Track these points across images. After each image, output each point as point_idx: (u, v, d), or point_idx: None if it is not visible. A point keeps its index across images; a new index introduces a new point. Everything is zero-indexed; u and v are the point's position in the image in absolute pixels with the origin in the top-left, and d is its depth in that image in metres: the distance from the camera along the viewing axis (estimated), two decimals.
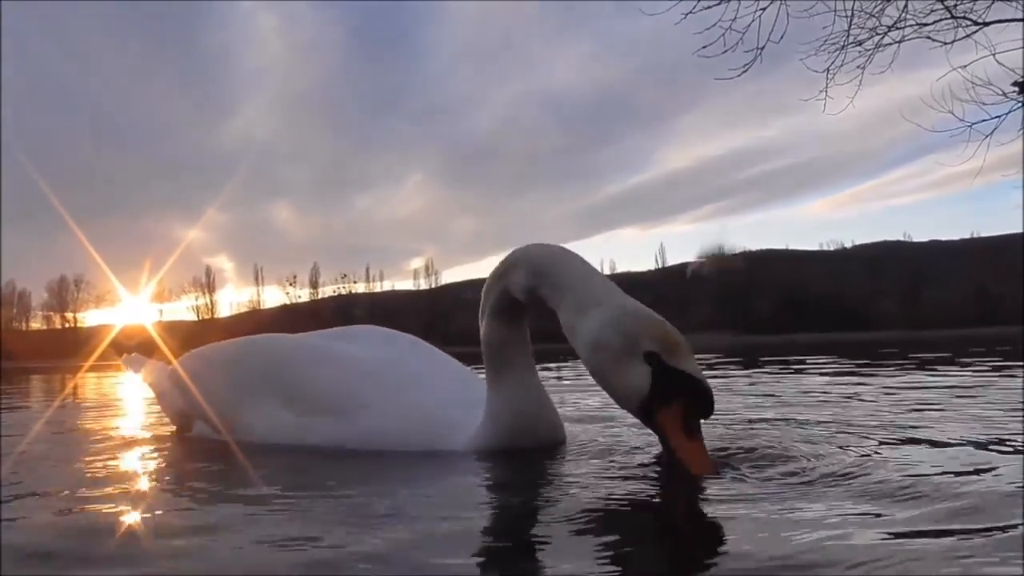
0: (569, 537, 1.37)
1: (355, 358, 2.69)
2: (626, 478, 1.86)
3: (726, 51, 10.94)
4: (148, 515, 1.62)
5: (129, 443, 2.96)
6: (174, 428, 3.23)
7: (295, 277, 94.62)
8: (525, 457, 2.20)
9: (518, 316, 2.34)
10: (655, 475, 1.92)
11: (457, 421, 2.36)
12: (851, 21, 10.71)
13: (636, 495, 1.69)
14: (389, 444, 2.37)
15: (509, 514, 1.63)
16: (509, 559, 1.29)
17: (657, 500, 1.71)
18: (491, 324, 2.32)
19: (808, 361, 9.29)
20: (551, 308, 2.16)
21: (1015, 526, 1.28)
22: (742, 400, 3.96)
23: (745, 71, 11.18)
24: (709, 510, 1.53)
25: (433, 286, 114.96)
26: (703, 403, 1.90)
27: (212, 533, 1.44)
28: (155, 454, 2.65)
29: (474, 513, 1.61)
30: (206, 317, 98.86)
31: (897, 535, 1.26)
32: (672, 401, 1.90)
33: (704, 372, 1.97)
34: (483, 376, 2.41)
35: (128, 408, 5.15)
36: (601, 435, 2.57)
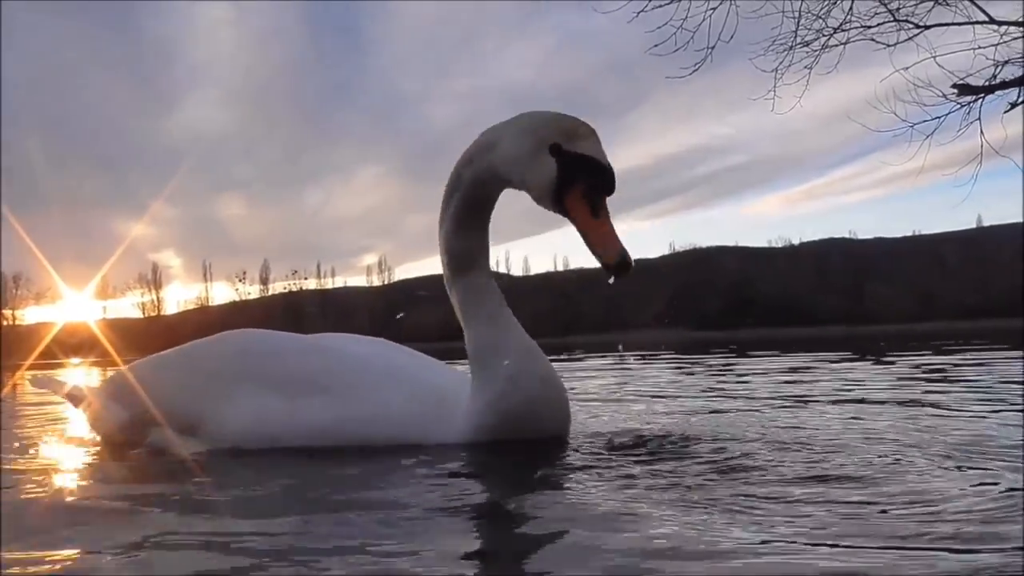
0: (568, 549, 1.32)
1: (344, 348, 2.63)
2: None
3: (677, 50, 11.05)
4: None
5: (69, 449, 2.85)
6: (109, 446, 2.80)
7: (244, 273, 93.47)
8: (522, 450, 2.13)
9: (482, 220, 2.37)
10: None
11: (454, 406, 2.30)
12: (798, 22, 10.90)
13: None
14: (383, 429, 2.30)
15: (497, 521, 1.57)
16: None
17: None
18: (454, 228, 2.33)
19: (748, 356, 9.47)
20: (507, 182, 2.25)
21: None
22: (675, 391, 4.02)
23: (696, 70, 11.32)
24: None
25: (386, 282, 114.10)
26: (605, 181, 2.04)
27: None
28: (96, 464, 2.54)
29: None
30: (152, 314, 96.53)
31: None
32: (574, 185, 2.03)
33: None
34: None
35: (68, 410, 5.00)
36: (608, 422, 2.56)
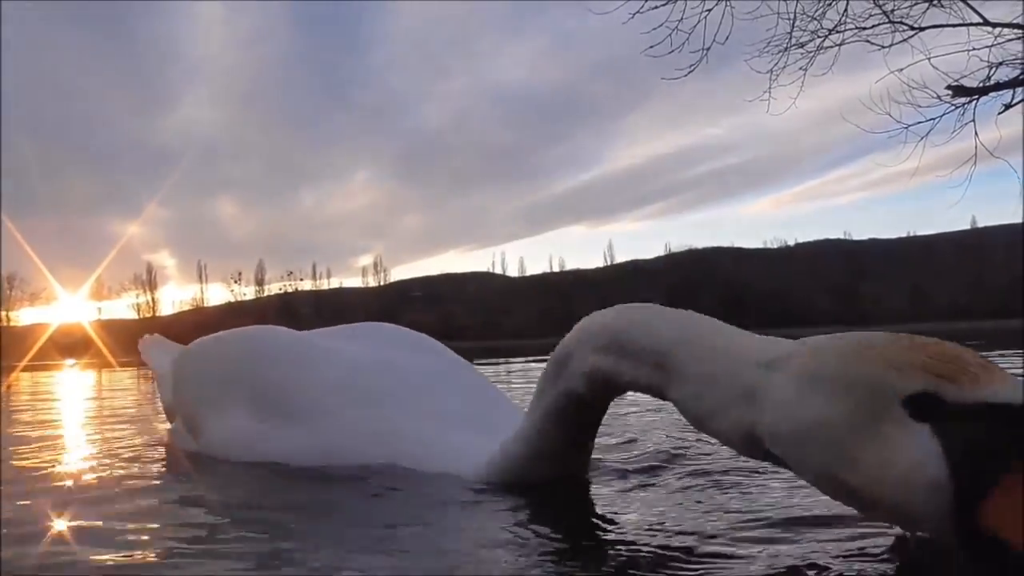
0: None
1: (345, 359, 2.31)
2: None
3: (673, 51, 11.10)
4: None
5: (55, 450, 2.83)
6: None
7: (240, 274, 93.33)
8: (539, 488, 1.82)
9: (587, 412, 1.73)
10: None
11: (446, 445, 1.98)
12: (793, 24, 10.96)
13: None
14: (347, 461, 2.03)
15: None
16: None
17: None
18: (546, 429, 1.74)
19: None
20: (652, 393, 1.49)
21: None
22: None
23: (691, 71, 11.37)
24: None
25: (382, 283, 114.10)
26: None
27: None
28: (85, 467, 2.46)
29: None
30: (147, 315, 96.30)
31: None
32: (1000, 471, 0.96)
33: None
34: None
35: (64, 410, 4.99)
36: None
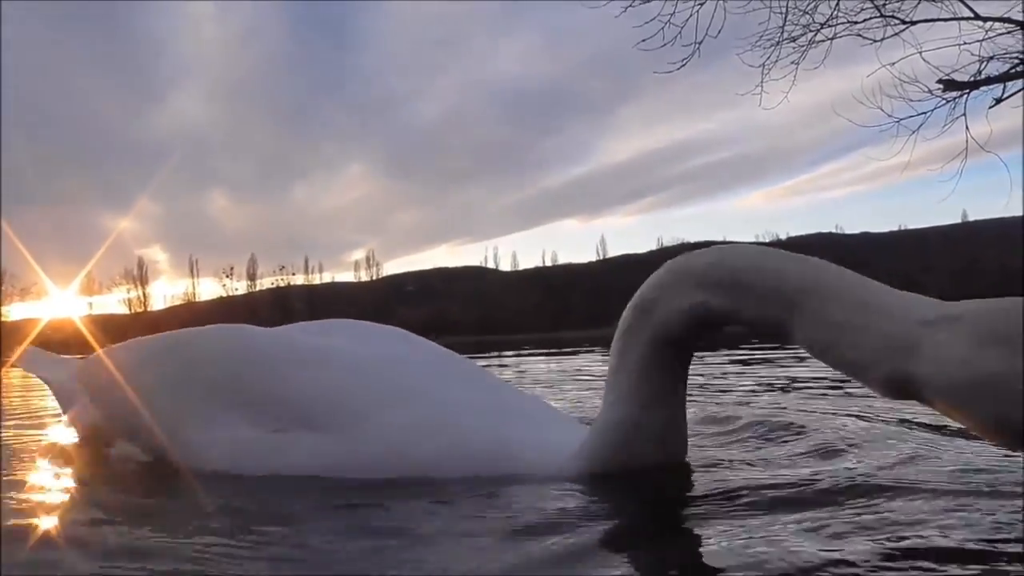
0: None
1: (348, 355, 2.08)
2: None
3: (665, 45, 11.11)
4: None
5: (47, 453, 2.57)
6: (84, 444, 2.52)
7: (232, 269, 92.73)
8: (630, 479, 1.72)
9: (688, 347, 1.73)
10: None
11: (509, 439, 1.81)
12: (785, 18, 10.98)
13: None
14: (400, 469, 1.78)
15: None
16: None
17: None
18: (647, 356, 1.69)
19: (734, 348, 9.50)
20: (767, 330, 1.55)
21: None
22: None
23: (683, 65, 11.36)
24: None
25: (375, 278, 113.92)
26: None
27: None
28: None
29: None
30: (138, 310, 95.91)
31: None
32: None
33: None
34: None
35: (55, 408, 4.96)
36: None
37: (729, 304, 1.58)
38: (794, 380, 4.44)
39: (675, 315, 1.64)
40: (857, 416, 2.53)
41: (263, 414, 1.95)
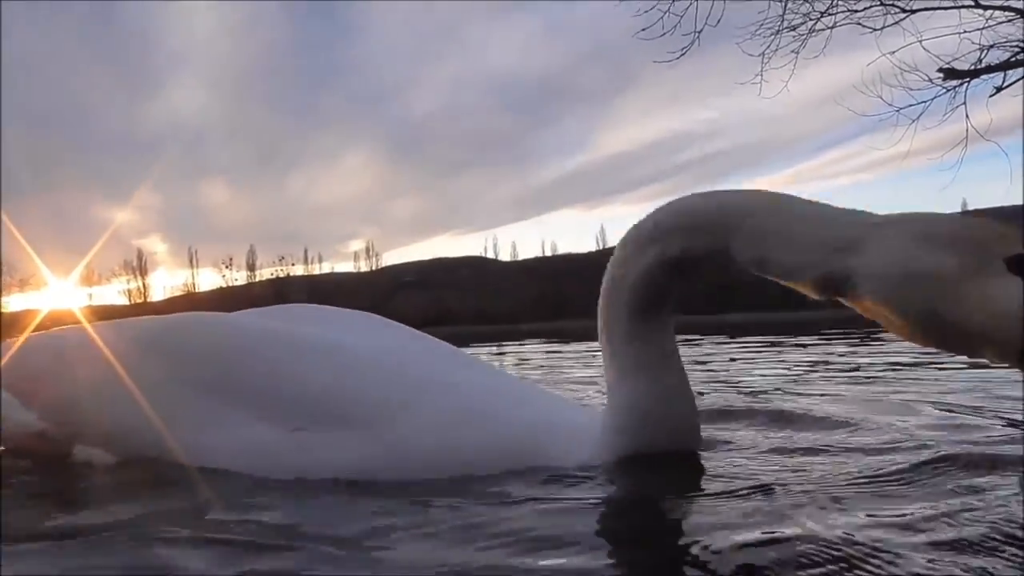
0: None
1: (354, 346, 1.94)
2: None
3: (664, 34, 11.09)
4: None
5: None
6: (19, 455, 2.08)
7: (231, 260, 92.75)
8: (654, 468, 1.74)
9: (664, 304, 1.79)
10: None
11: (535, 425, 1.79)
12: (785, 6, 10.95)
13: None
14: (445, 462, 1.69)
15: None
16: None
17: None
18: (630, 322, 1.76)
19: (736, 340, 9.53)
20: (746, 267, 1.63)
21: None
22: None
23: (683, 54, 11.33)
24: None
25: (374, 268, 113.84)
26: None
27: None
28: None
29: None
30: (138, 301, 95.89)
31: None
32: None
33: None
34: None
35: None
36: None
37: (683, 245, 1.69)
38: (822, 363, 4.46)
39: (643, 275, 1.74)
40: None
41: (277, 411, 1.77)
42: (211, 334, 1.99)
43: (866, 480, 1.55)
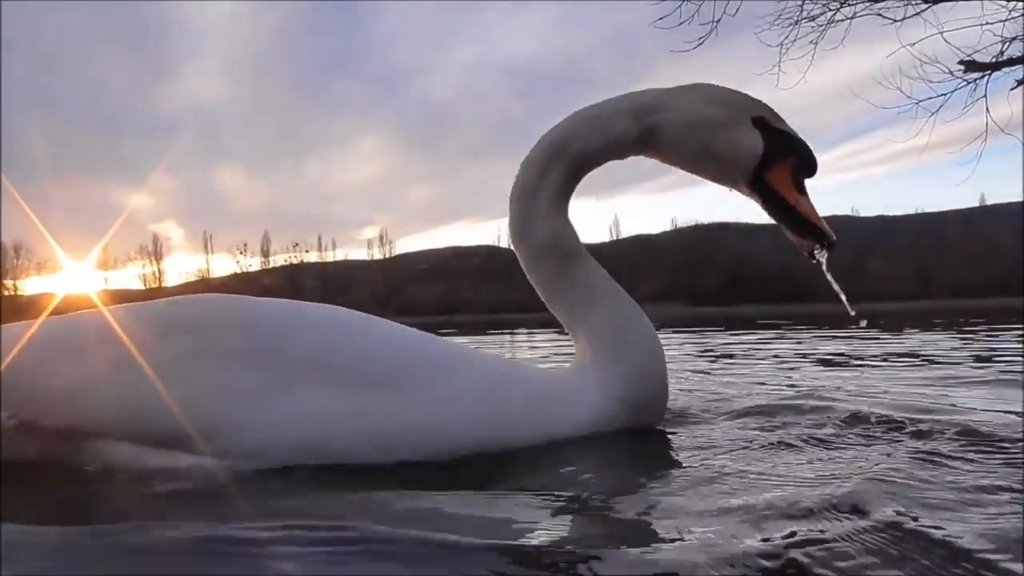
0: None
1: (375, 320, 2.00)
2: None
3: (682, 23, 10.99)
4: None
5: None
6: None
7: (245, 245, 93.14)
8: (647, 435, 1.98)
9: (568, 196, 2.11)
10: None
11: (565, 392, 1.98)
12: None
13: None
14: (493, 430, 1.81)
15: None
16: None
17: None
18: (557, 218, 2.06)
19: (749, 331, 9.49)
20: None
21: None
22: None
23: (700, 44, 11.25)
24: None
25: (387, 255, 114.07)
26: (812, 165, 2.00)
27: None
28: None
29: None
30: (153, 286, 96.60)
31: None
32: (780, 161, 1.97)
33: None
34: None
35: None
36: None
37: (584, 147, 2.05)
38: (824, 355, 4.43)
39: (549, 187, 2.06)
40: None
41: (340, 378, 1.74)
42: (246, 309, 1.89)
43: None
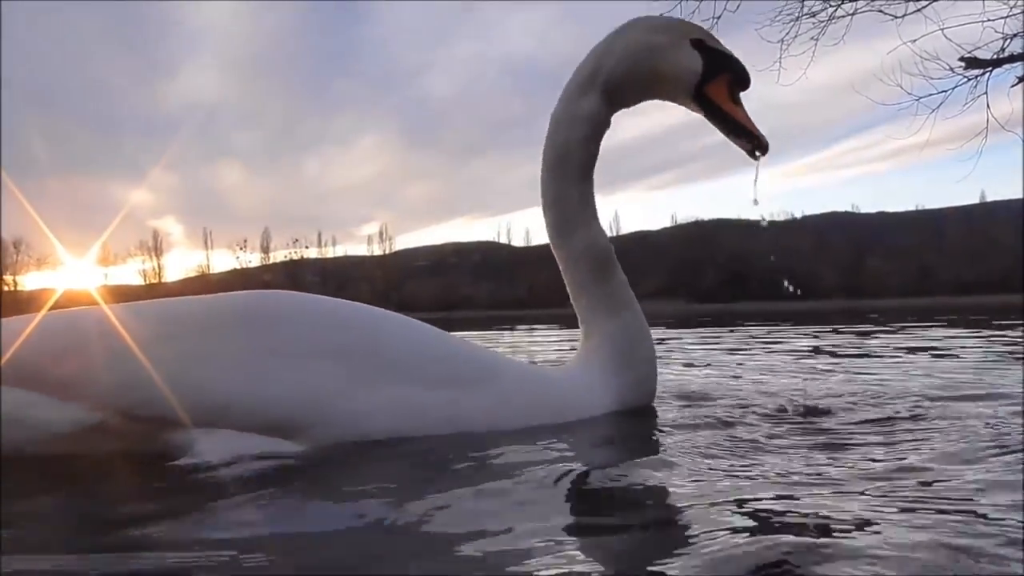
0: None
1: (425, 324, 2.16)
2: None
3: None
4: None
5: None
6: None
7: (245, 241, 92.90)
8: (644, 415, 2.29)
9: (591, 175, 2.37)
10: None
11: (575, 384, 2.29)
12: None
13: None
14: (519, 417, 2.07)
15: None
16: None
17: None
18: (592, 224, 2.37)
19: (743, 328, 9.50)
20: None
21: None
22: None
23: None
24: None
25: (387, 252, 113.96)
26: (745, 77, 2.25)
27: None
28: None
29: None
30: (153, 281, 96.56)
31: None
32: (718, 76, 2.23)
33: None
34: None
35: None
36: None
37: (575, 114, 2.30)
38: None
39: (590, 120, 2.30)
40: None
41: (421, 374, 1.95)
42: (329, 307, 2.03)
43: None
